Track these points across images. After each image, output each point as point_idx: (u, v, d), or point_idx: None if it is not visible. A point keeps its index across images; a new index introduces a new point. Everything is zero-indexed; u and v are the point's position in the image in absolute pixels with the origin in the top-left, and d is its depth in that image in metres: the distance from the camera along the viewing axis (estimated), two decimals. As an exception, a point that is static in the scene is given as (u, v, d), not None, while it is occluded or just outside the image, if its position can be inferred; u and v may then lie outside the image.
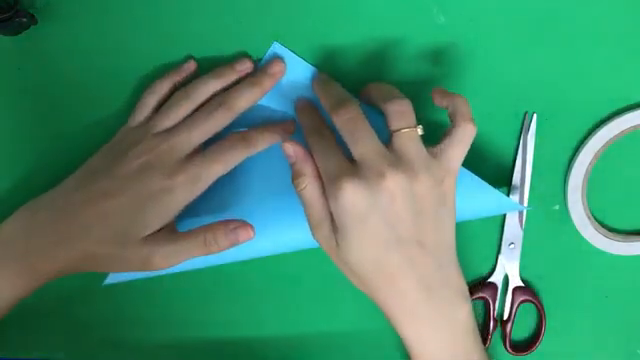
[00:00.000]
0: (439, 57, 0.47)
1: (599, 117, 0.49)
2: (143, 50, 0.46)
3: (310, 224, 0.42)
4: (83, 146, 0.47)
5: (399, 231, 0.40)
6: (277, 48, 0.47)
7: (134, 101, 0.46)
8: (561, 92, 0.49)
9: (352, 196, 0.39)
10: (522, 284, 0.52)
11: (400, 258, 0.40)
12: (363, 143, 0.40)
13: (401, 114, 0.41)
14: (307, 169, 0.41)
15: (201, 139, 0.43)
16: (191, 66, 0.46)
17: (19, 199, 0.45)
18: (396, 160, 0.40)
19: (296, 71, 0.47)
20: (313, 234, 0.42)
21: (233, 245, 0.43)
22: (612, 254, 0.52)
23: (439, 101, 0.43)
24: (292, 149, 0.42)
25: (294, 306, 0.52)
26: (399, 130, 0.40)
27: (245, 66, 0.46)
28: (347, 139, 0.40)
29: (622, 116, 0.49)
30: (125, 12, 0.46)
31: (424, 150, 0.41)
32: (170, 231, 0.43)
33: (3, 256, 0.42)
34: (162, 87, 0.46)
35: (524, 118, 0.49)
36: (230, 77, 0.45)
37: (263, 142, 0.44)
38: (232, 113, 0.44)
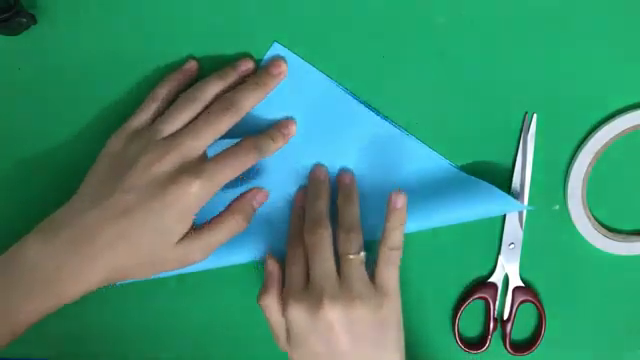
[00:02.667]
0: (439, 57, 0.47)
1: (599, 117, 0.49)
2: (143, 50, 0.46)
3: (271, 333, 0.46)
4: (83, 146, 0.47)
5: (336, 353, 0.43)
6: (277, 49, 0.47)
7: (134, 101, 0.46)
8: (561, 92, 0.49)
9: (295, 315, 0.43)
10: (522, 284, 0.52)
11: None
12: (317, 266, 0.44)
13: (349, 241, 0.45)
14: (273, 289, 0.46)
15: (209, 142, 0.43)
16: (192, 67, 0.46)
17: (19, 199, 0.45)
18: (338, 288, 0.43)
19: (296, 72, 0.47)
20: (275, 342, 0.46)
21: (256, 209, 0.46)
22: (612, 254, 0.52)
23: (387, 210, 0.44)
24: (271, 266, 0.47)
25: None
26: (345, 255, 0.44)
27: (247, 66, 0.46)
28: (309, 258, 0.45)
29: (622, 116, 0.49)
30: (125, 12, 0.46)
31: (366, 276, 0.44)
32: (194, 228, 0.44)
33: (29, 281, 0.41)
34: (163, 92, 0.45)
35: (524, 118, 0.49)
36: (232, 78, 0.45)
37: (274, 149, 0.46)
38: (239, 115, 0.44)
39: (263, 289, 0.46)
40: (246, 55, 0.47)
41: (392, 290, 0.44)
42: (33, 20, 0.44)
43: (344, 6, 0.46)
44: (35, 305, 0.42)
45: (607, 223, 0.52)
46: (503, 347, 0.53)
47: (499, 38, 0.47)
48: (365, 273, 0.44)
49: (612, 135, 0.49)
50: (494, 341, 0.53)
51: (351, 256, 0.44)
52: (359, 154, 0.49)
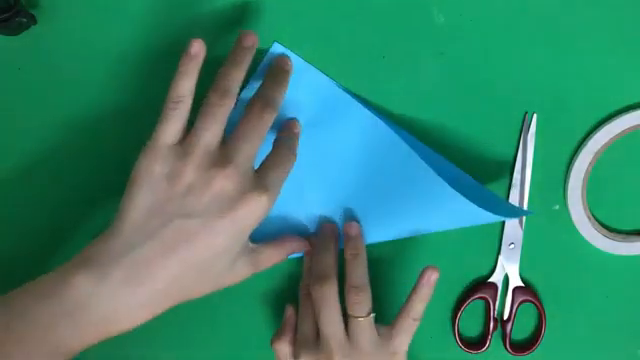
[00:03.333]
0: (439, 57, 0.47)
1: (599, 117, 0.49)
2: (143, 50, 0.46)
3: None
4: (84, 146, 0.47)
5: None
6: (277, 49, 0.47)
7: (135, 101, 0.46)
8: (561, 92, 0.49)
9: None
10: (522, 284, 0.52)
11: None
12: (325, 326, 0.45)
13: (357, 304, 0.45)
14: (286, 336, 0.47)
15: (259, 147, 0.41)
16: (198, 49, 0.41)
17: (19, 199, 0.45)
18: (347, 345, 0.44)
19: (296, 71, 0.47)
20: None
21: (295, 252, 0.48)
22: (612, 254, 0.52)
23: (417, 283, 0.46)
24: (288, 313, 0.49)
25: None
26: (355, 317, 0.45)
27: (252, 39, 0.43)
28: (315, 310, 0.45)
29: (622, 116, 0.49)
30: (125, 12, 0.46)
31: (375, 335, 0.45)
32: (251, 245, 0.44)
33: (79, 321, 0.38)
34: (182, 92, 0.40)
35: (524, 118, 0.49)
36: (246, 58, 0.43)
37: (296, 148, 0.46)
38: (276, 112, 0.42)
39: (278, 334, 0.47)
40: (242, 30, 0.44)
41: (403, 350, 0.46)
42: (33, 20, 0.44)
43: (344, 6, 0.46)
44: (81, 341, 0.39)
45: (607, 223, 0.52)
46: (503, 347, 0.53)
47: (499, 38, 0.47)
48: (375, 333, 0.45)
49: (612, 135, 0.49)
50: (494, 341, 0.53)
51: (361, 319, 0.44)
52: (359, 154, 0.48)
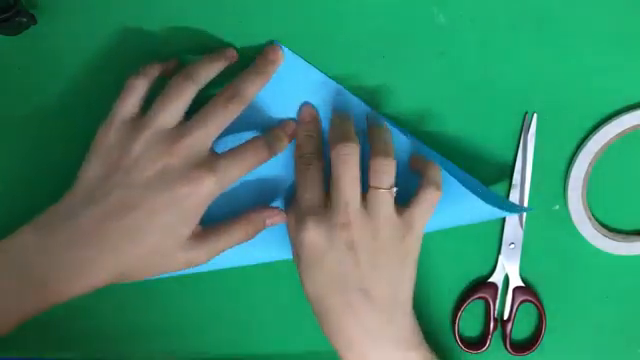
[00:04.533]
0: (439, 57, 0.47)
1: (599, 117, 0.49)
2: (143, 50, 0.46)
3: None
4: (84, 146, 0.47)
5: (349, 278, 0.42)
6: (277, 48, 0.47)
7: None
8: (561, 92, 0.49)
9: (313, 236, 0.42)
10: (522, 284, 0.52)
11: (343, 303, 0.42)
12: (342, 186, 0.42)
13: (381, 174, 0.42)
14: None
15: (217, 134, 0.42)
16: (173, 63, 0.45)
17: (20, 199, 0.45)
18: (364, 213, 0.42)
19: (296, 71, 0.47)
20: None
21: (268, 226, 0.45)
22: (612, 254, 0.52)
23: (414, 166, 0.45)
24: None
25: (295, 317, 0.52)
26: (376, 188, 0.42)
27: (232, 54, 0.45)
28: (333, 174, 0.43)
29: (622, 116, 0.49)
30: (125, 12, 0.46)
31: (393, 210, 0.43)
32: (201, 229, 0.43)
33: (19, 278, 0.39)
34: (153, 71, 0.43)
35: (524, 118, 0.49)
36: (220, 62, 0.44)
37: (282, 148, 0.45)
38: (244, 104, 0.43)
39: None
40: (229, 46, 0.46)
41: (418, 227, 0.43)
42: (33, 20, 0.44)
43: (344, 6, 0.46)
44: (24, 303, 0.40)
45: (607, 223, 0.52)
46: (503, 347, 0.53)
47: (499, 38, 0.47)
48: (393, 209, 0.43)
49: (612, 135, 0.49)
50: (494, 341, 0.53)
51: (382, 190, 0.42)
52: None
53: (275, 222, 0.45)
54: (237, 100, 0.42)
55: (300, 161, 0.46)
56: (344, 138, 0.43)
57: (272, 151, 0.44)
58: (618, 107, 0.49)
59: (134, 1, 0.46)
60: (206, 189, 0.41)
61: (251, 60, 0.46)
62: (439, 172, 0.44)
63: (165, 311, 0.52)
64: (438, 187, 0.43)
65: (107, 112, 0.47)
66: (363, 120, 0.47)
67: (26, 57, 0.46)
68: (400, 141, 0.46)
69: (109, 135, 0.42)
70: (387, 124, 0.46)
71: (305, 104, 0.47)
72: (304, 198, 0.44)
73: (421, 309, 0.53)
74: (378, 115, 0.47)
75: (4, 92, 0.47)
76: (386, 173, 0.42)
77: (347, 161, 0.42)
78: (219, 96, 0.43)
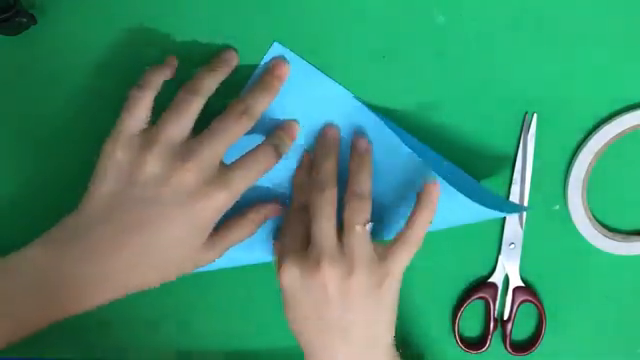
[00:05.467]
0: (439, 57, 0.47)
1: (599, 117, 0.49)
2: (143, 50, 0.46)
3: None
4: (84, 146, 0.47)
5: (326, 318, 0.42)
6: (277, 49, 0.47)
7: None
8: (561, 92, 0.48)
9: (289, 276, 0.42)
10: (522, 284, 0.52)
11: (321, 343, 0.43)
12: (318, 230, 0.43)
13: (356, 211, 0.43)
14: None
15: (227, 148, 0.42)
16: (172, 61, 0.44)
17: (20, 199, 0.45)
18: (339, 253, 0.42)
19: (296, 71, 0.47)
20: None
21: (266, 219, 0.47)
22: (612, 254, 0.52)
23: (418, 198, 0.44)
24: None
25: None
26: (352, 225, 0.42)
27: (231, 55, 0.45)
28: (312, 219, 0.43)
29: (622, 116, 0.49)
30: (125, 12, 0.46)
31: (371, 249, 0.43)
32: (212, 238, 0.43)
33: (32, 291, 0.39)
34: (155, 79, 0.42)
35: (524, 118, 0.49)
36: (224, 69, 0.44)
37: (286, 151, 0.45)
38: (254, 119, 0.43)
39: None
40: (229, 48, 0.46)
41: (398, 271, 0.43)
42: (33, 20, 0.44)
43: (344, 6, 0.46)
44: (36, 316, 0.40)
45: (607, 223, 0.52)
46: (503, 347, 0.53)
47: (499, 38, 0.47)
48: (370, 246, 0.43)
49: (612, 135, 0.49)
50: (494, 341, 0.53)
51: (358, 227, 0.42)
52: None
53: (275, 215, 0.47)
54: (247, 117, 0.43)
55: (294, 198, 0.47)
56: (324, 184, 0.44)
57: (280, 155, 0.44)
58: (618, 107, 0.49)
59: (134, 1, 0.46)
60: (219, 203, 0.41)
61: (251, 62, 0.46)
62: (429, 216, 0.43)
63: (165, 309, 0.52)
64: (422, 231, 0.43)
65: (108, 112, 0.46)
66: (360, 120, 0.47)
67: (26, 57, 0.46)
68: (401, 152, 0.46)
69: (119, 150, 0.41)
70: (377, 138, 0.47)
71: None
72: (288, 235, 0.45)
73: (421, 309, 0.53)
74: (368, 144, 0.47)
75: (4, 92, 0.47)
76: (361, 211, 0.43)
77: (325, 207, 0.43)
78: (230, 111, 0.43)
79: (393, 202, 0.48)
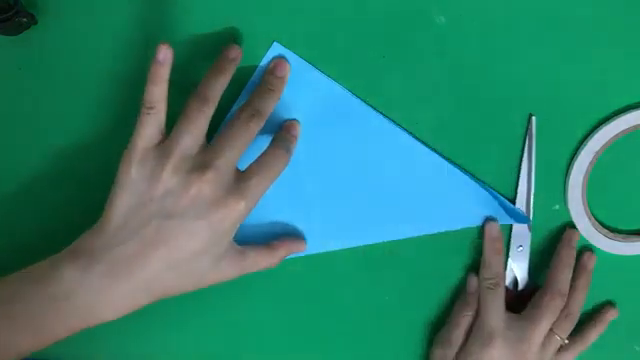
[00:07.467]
0: (439, 57, 0.47)
1: (599, 117, 0.49)
2: (143, 50, 0.46)
3: None
4: (84, 146, 0.47)
5: None
6: (277, 48, 0.47)
7: (135, 101, 0.46)
8: (561, 92, 0.49)
9: (499, 352, 0.49)
10: (532, 285, 0.52)
11: None
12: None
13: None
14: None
15: (241, 153, 0.42)
16: (166, 55, 0.42)
17: (20, 199, 0.45)
18: (514, 336, 0.49)
19: (296, 71, 0.47)
20: None
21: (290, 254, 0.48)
22: (612, 254, 0.52)
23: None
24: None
25: (294, 308, 0.52)
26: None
27: (235, 52, 0.45)
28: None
29: (622, 116, 0.49)
30: (125, 12, 0.46)
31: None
32: (232, 247, 0.44)
33: (62, 307, 0.40)
34: (156, 96, 0.42)
35: (529, 122, 0.49)
36: (229, 68, 0.44)
37: (294, 152, 0.46)
38: (263, 121, 0.43)
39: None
40: (233, 45, 0.45)
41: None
42: (33, 20, 0.44)
43: (344, 6, 0.46)
44: (66, 327, 0.41)
45: (607, 223, 0.52)
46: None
47: (499, 38, 0.47)
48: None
49: (612, 135, 0.49)
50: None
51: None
52: (360, 153, 0.49)
53: (297, 252, 0.48)
54: (257, 119, 0.43)
55: (486, 283, 0.50)
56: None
57: (290, 156, 0.44)
58: (618, 107, 0.49)
59: (134, 2, 0.46)
60: (238, 213, 0.42)
61: (252, 62, 0.46)
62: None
63: (165, 310, 0.52)
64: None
65: (108, 112, 0.47)
66: (360, 120, 0.47)
67: (26, 57, 0.46)
68: (405, 147, 0.46)
69: (132, 166, 0.41)
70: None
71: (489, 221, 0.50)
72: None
73: (427, 310, 0.53)
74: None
75: (4, 92, 0.47)
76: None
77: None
78: (239, 116, 0.43)
79: (396, 195, 0.48)
